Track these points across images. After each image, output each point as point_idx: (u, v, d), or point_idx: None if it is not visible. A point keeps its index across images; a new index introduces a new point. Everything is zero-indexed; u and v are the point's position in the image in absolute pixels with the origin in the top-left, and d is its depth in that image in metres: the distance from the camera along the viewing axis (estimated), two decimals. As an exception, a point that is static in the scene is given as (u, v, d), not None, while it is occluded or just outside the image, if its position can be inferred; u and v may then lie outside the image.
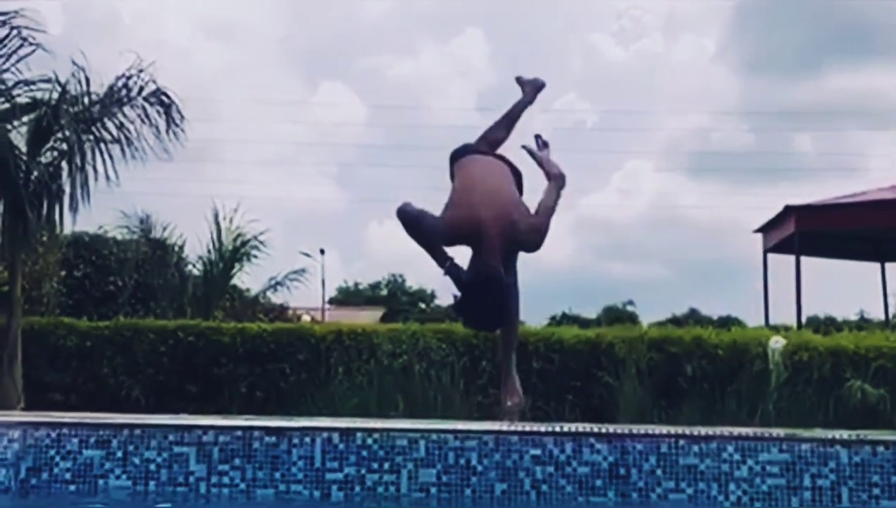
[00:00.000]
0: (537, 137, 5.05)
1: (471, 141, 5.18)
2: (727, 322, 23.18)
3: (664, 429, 6.03)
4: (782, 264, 18.61)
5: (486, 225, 4.33)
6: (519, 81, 5.32)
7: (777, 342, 10.55)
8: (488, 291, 4.33)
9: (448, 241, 4.54)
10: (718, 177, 73.37)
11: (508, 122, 5.21)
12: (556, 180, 4.58)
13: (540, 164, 4.81)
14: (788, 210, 17.69)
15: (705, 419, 9.57)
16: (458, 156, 4.92)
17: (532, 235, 4.41)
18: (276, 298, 18.90)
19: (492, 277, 4.32)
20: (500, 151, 5.18)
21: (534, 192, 4.79)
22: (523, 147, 4.98)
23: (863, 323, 25.68)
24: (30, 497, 5.62)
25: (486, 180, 4.60)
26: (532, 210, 4.56)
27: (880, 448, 5.72)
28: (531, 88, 5.26)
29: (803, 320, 17.77)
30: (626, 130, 66.33)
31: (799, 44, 68.50)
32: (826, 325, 17.36)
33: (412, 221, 4.55)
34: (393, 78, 73.71)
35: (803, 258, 17.69)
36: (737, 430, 6.10)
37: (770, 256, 19.04)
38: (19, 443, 5.72)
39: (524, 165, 4.98)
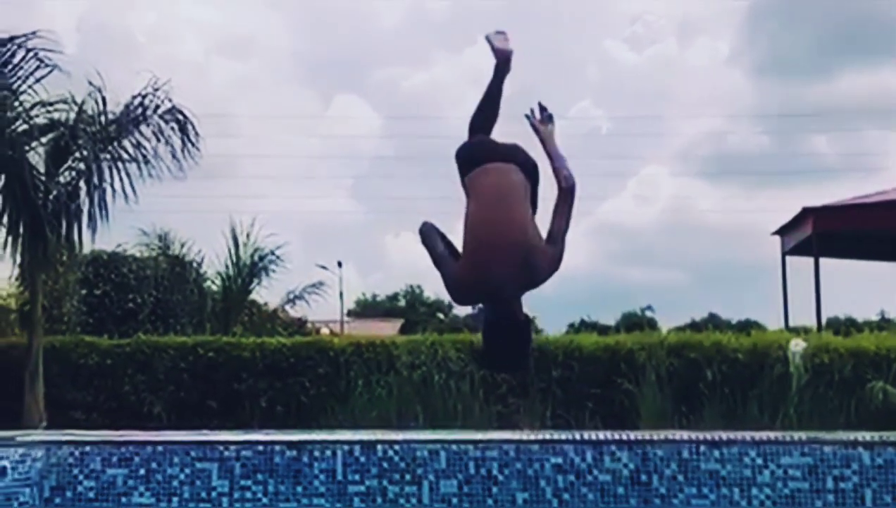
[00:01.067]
0: (542, 109, 4.67)
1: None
2: (747, 326, 23.07)
3: (685, 435, 6.03)
4: (801, 266, 18.53)
5: (505, 288, 4.11)
6: (488, 40, 4.78)
7: (797, 345, 10.50)
8: (509, 337, 4.17)
9: (465, 299, 4.38)
10: (735, 180, 73.18)
11: (492, 99, 4.89)
12: (568, 192, 4.30)
13: (548, 154, 4.46)
14: (806, 212, 17.61)
15: (727, 424, 9.54)
16: (464, 162, 4.61)
17: (550, 270, 4.22)
18: (295, 311, 18.97)
19: (513, 324, 4.15)
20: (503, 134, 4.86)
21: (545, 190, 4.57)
22: (526, 116, 4.62)
23: (884, 323, 25.48)
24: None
25: (502, 226, 4.21)
26: (540, 222, 4.36)
27: (903, 450, 5.70)
28: (502, 59, 4.73)
29: (823, 321, 17.67)
30: (642, 136, 66.38)
31: (812, 45, 68.40)
32: (846, 326, 17.24)
33: (431, 256, 4.41)
34: (407, 89, 73.91)
35: (822, 260, 17.61)
36: (758, 434, 6.09)
37: (788, 258, 18.96)
38: (43, 462, 5.76)
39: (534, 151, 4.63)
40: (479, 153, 4.47)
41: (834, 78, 72.00)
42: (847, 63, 71.34)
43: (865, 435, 6.02)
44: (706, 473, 5.75)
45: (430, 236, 4.36)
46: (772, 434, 6.11)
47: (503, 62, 4.74)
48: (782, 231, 18.98)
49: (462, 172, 4.48)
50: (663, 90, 72.59)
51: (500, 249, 4.05)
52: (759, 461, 5.72)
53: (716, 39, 76.31)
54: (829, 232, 17.49)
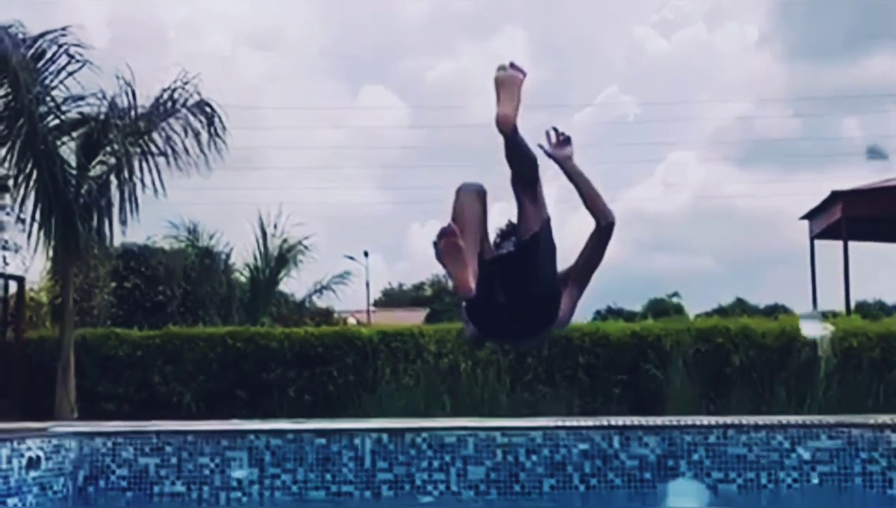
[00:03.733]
0: (557, 133, 4.10)
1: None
2: (774, 311, 22.98)
3: (712, 420, 6.04)
4: (829, 249, 18.43)
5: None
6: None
7: (825, 330, 10.46)
8: None
9: None
10: (764, 165, 72.52)
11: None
12: (607, 230, 3.87)
13: (580, 191, 3.90)
14: (835, 196, 17.51)
15: (754, 408, 9.53)
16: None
17: (571, 315, 4.18)
18: (322, 302, 19.07)
19: None
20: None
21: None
22: (540, 147, 3.98)
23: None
24: (88, 504, 5.75)
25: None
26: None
27: (931, 433, 5.69)
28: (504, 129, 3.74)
29: (852, 305, 17.56)
30: (670, 121, 65.90)
31: (843, 27, 67.49)
32: (875, 310, 17.13)
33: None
34: (433, 79, 73.67)
35: (851, 243, 17.50)
36: (785, 418, 6.10)
37: (817, 242, 18.85)
38: (76, 452, 5.84)
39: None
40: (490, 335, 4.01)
41: (864, 61, 70.99)
42: (878, 46, 70.45)
43: (894, 418, 6.01)
44: (733, 458, 5.76)
45: (475, 341, 4.27)
46: (799, 419, 6.11)
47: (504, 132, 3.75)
48: (811, 215, 18.88)
49: None
50: (693, 75, 71.97)
51: None
52: (787, 445, 5.72)
53: (745, 23, 75.48)
54: (858, 216, 17.38)
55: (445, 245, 3.54)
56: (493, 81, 3.80)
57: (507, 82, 3.77)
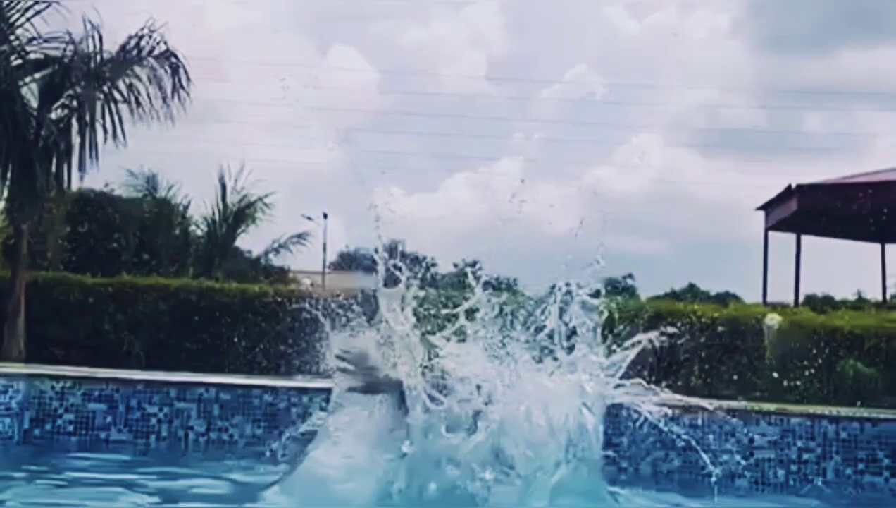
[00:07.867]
0: None
1: None
2: (725, 298, 23.26)
3: (656, 400, 6.14)
4: (783, 242, 18.63)
5: None
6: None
7: (772, 320, 10.64)
8: None
9: None
10: (726, 154, 73.06)
11: None
12: None
13: None
14: (791, 189, 17.69)
15: (699, 393, 9.67)
16: None
17: None
18: (277, 260, 19.04)
19: None
20: None
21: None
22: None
23: (860, 303, 25.69)
24: (33, 446, 5.75)
25: None
26: None
27: (868, 425, 5.84)
28: None
29: (801, 298, 17.82)
30: (636, 104, 66.12)
31: (813, 22, 68.03)
32: (823, 304, 17.42)
33: None
34: (404, 44, 73.17)
35: (804, 237, 17.71)
36: (727, 403, 6.22)
37: (771, 234, 19.05)
38: (24, 394, 5.83)
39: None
40: None
41: (832, 56, 71.69)
42: (846, 42, 71.07)
43: (832, 409, 6.16)
44: (673, 439, 5.86)
45: None
46: (740, 404, 6.24)
47: None
48: (767, 207, 19.07)
49: None
50: (661, 60, 72.14)
51: None
52: (727, 428, 5.85)
53: (717, 12, 75.72)
54: (813, 210, 17.59)
55: None
56: None
57: None
